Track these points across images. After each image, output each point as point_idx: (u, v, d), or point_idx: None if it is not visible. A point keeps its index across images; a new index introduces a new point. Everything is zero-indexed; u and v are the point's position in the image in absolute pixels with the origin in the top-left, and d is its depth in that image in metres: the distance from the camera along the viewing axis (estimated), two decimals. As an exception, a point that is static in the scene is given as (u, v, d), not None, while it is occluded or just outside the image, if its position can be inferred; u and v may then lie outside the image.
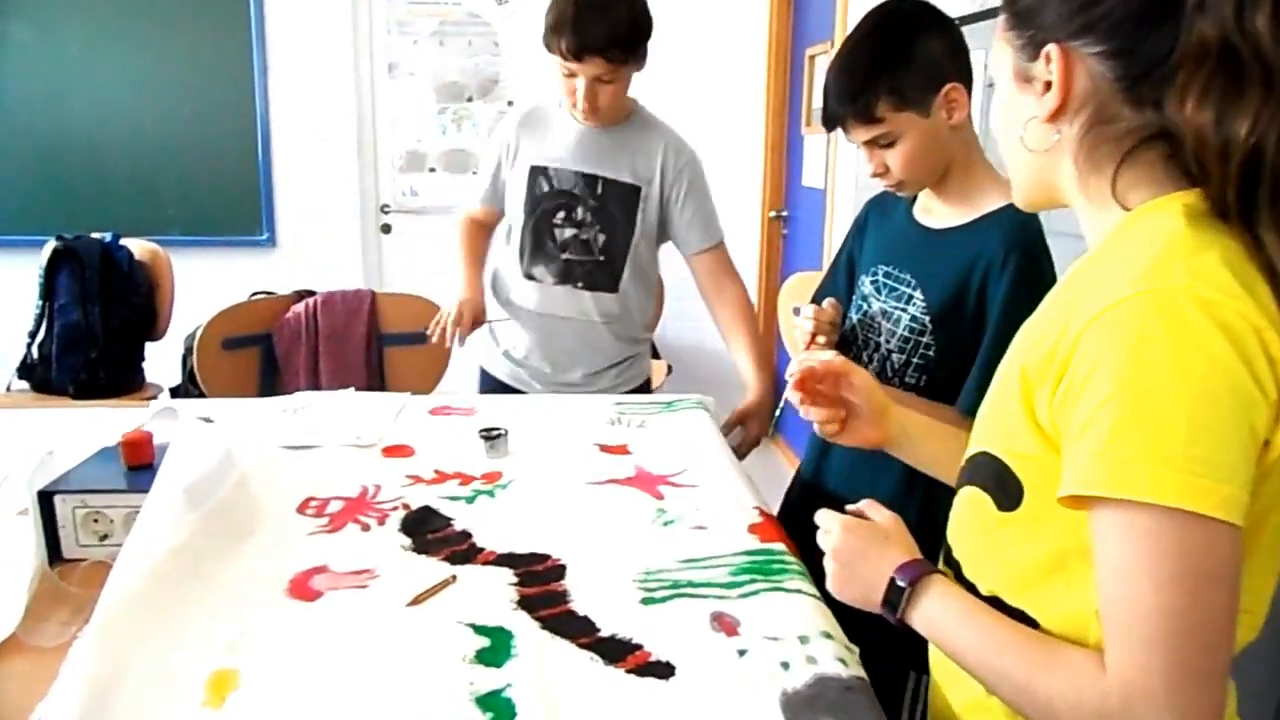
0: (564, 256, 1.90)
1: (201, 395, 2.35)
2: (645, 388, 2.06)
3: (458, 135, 4.05)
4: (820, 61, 3.41)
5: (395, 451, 1.49)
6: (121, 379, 3.00)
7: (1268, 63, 0.65)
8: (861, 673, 0.90)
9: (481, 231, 2.06)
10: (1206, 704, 0.62)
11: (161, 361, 3.19)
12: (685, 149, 1.89)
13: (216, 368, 2.36)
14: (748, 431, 1.79)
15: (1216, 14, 0.66)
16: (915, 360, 1.32)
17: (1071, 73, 0.74)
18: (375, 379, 2.52)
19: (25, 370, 2.97)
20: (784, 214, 4.02)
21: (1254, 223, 0.67)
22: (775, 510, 1.50)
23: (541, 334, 1.95)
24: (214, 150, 3.79)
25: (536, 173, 1.90)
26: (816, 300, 1.47)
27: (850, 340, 1.43)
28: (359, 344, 2.49)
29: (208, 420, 1.51)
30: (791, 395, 1.07)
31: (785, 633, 0.95)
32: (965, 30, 1.30)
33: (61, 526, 1.09)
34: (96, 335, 2.94)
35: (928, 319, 1.29)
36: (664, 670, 0.90)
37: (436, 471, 1.40)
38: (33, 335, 2.98)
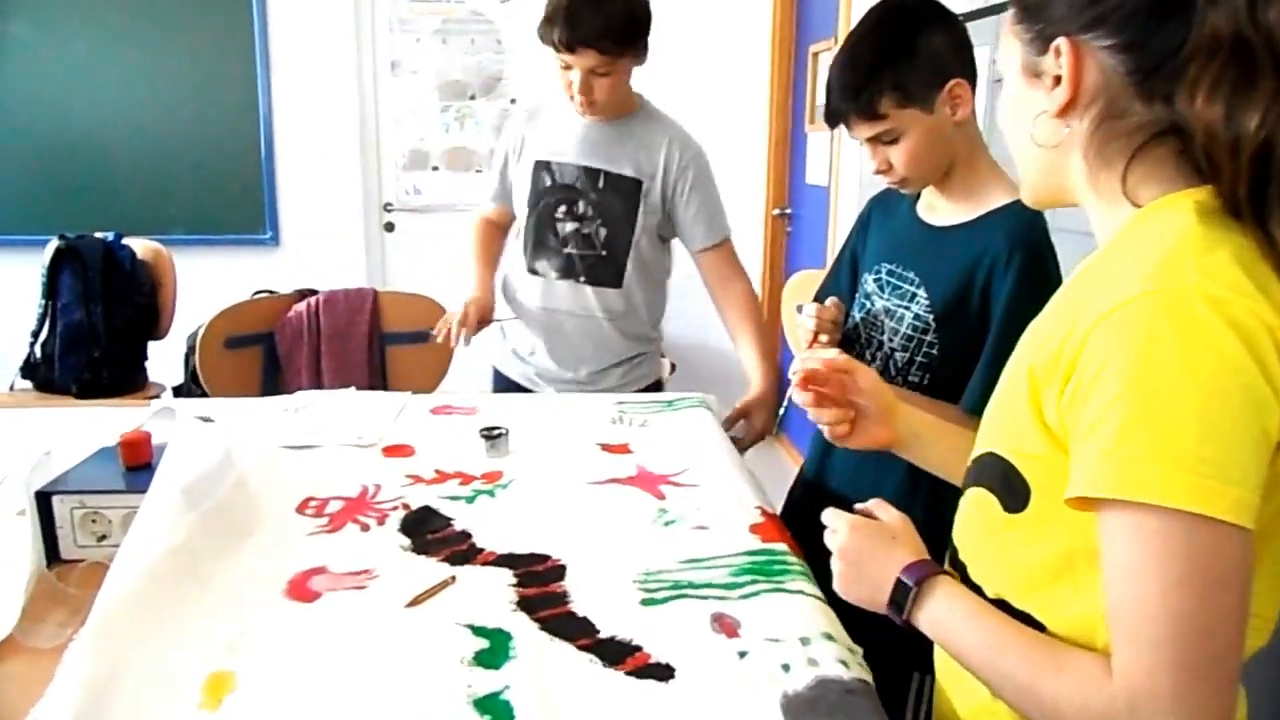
0: (566, 251, 1.89)
1: (204, 394, 2.35)
2: (657, 387, 2.03)
3: (461, 133, 4.05)
4: (824, 58, 3.40)
5: (396, 451, 1.48)
6: (124, 378, 3.00)
7: None
8: (864, 675, 0.89)
9: (495, 232, 2.06)
10: (1215, 710, 0.61)
11: (164, 361, 3.19)
12: (690, 143, 1.88)
13: (219, 367, 2.35)
14: (750, 426, 1.79)
15: (1229, 6, 0.65)
16: (919, 359, 1.30)
17: (1081, 67, 0.73)
18: (377, 378, 2.51)
19: (28, 370, 2.97)
20: (787, 212, 4.00)
21: (1266, 219, 0.66)
22: (778, 510, 1.49)
23: (546, 330, 1.94)
24: (217, 149, 3.78)
25: (540, 167, 1.90)
26: (819, 299, 1.46)
27: (853, 339, 1.42)
28: (361, 343, 2.48)
29: (208, 420, 1.50)
30: (798, 397, 1.06)
31: (786, 634, 0.95)
32: (969, 26, 1.29)
33: (59, 527, 1.08)
34: (99, 334, 2.94)
35: (931, 317, 1.28)
36: (663, 672, 0.89)
37: (437, 471, 1.39)
38: (35, 335, 2.98)
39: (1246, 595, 0.62)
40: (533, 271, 1.93)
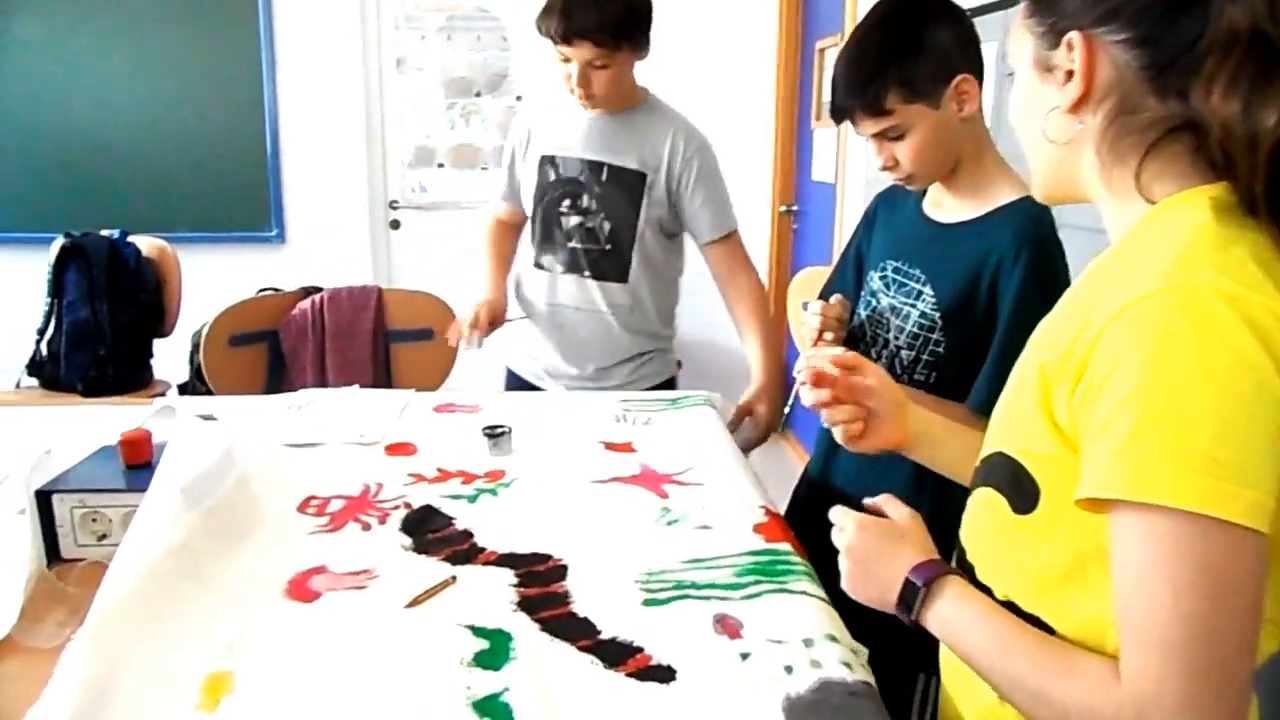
0: (571, 245, 1.89)
1: (209, 392, 2.35)
2: (669, 385, 2.02)
3: (466, 130, 4.04)
4: (830, 54, 3.38)
5: (398, 449, 1.47)
6: (130, 376, 3.01)
7: None
8: (867, 677, 0.88)
9: (507, 232, 2.06)
10: (1224, 717, 0.60)
11: (170, 358, 3.20)
12: (696, 135, 1.87)
13: (223, 364, 2.35)
14: (755, 422, 1.78)
15: (1247, 0, 0.64)
16: (925, 357, 1.29)
17: (1094, 61, 0.72)
18: (382, 375, 2.51)
19: (34, 367, 2.97)
20: (794, 208, 3.99)
21: None
22: (783, 509, 1.48)
23: (552, 326, 1.94)
24: (223, 147, 3.78)
25: (545, 161, 1.90)
26: (824, 296, 1.45)
27: (858, 337, 1.40)
28: (365, 340, 2.48)
29: (210, 418, 1.50)
30: (808, 397, 1.03)
31: (789, 635, 0.94)
32: (977, 21, 1.27)
33: (60, 526, 1.08)
34: (104, 332, 2.95)
35: (937, 315, 1.27)
36: (664, 674, 0.88)
37: (439, 470, 1.39)
38: (41, 332, 2.98)
39: (1259, 600, 0.61)
40: (539, 266, 1.93)
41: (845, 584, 0.86)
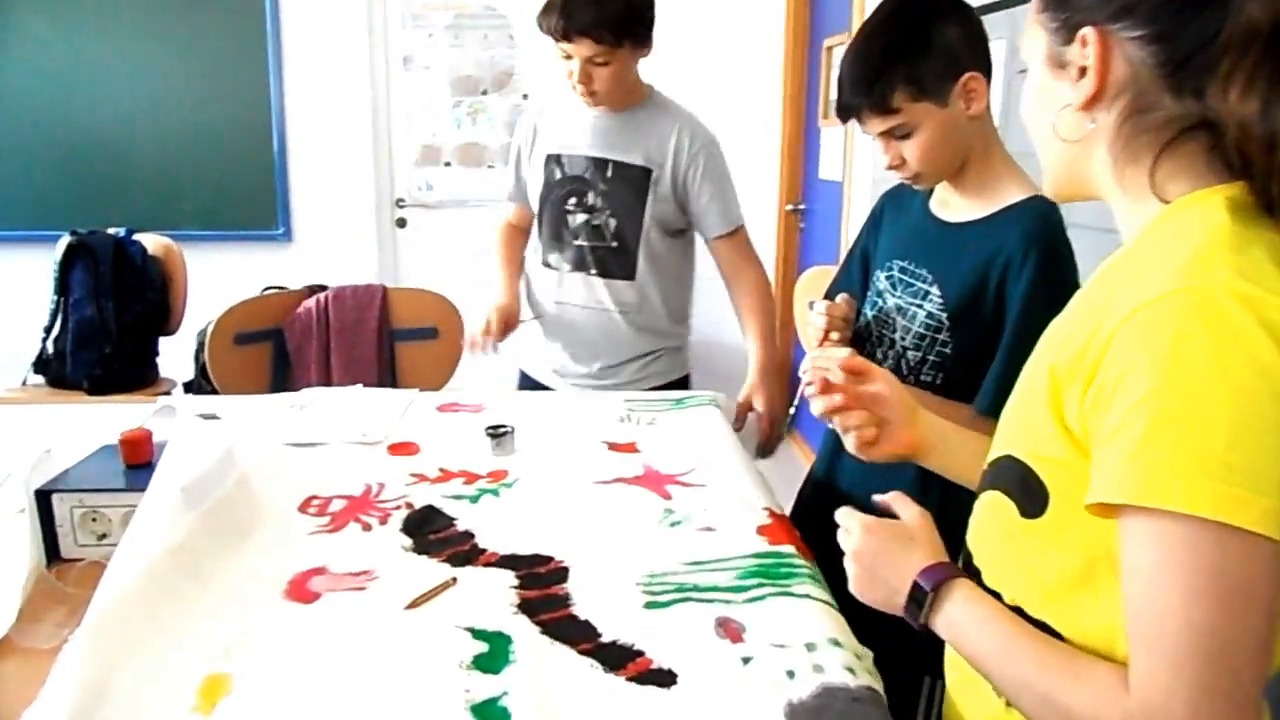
0: (577, 243, 1.88)
1: (214, 390, 2.35)
2: (683, 384, 2.00)
3: (473, 129, 4.04)
4: (838, 52, 3.36)
5: (400, 449, 1.47)
6: (135, 374, 3.01)
7: None
8: (871, 682, 0.87)
9: (518, 235, 2.06)
10: None
11: (175, 357, 3.20)
12: (701, 131, 1.86)
13: (228, 363, 2.35)
14: (759, 418, 1.78)
15: None
16: (931, 358, 1.28)
17: (1109, 58, 0.70)
18: (386, 374, 2.50)
19: (41, 365, 2.98)
20: (801, 207, 3.97)
21: None
22: (788, 510, 1.47)
23: (560, 324, 1.94)
24: (230, 145, 3.79)
25: (551, 160, 1.89)
26: (830, 296, 1.44)
27: (864, 337, 1.39)
28: (370, 339, 2.47)
29: (213, 417, 1.50)
30: (818, 406, 1.02)
31: (792, 640, 0.93)
32: (985, 19, 1.26)
33: (59, 525, 1.08)
34: (110, 330, 2.95)
35: (944, 315, 1.26)
36: (665, 678, 0.87)
37: (441, 470, 1.38)
38: (48, 330, 2.99)
39: (1273, 609, 0.59)
40: (547, 265, 1.93)
41: (853, 587, 0.85)
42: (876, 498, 0.91)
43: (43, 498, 1.06)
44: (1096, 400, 0.64)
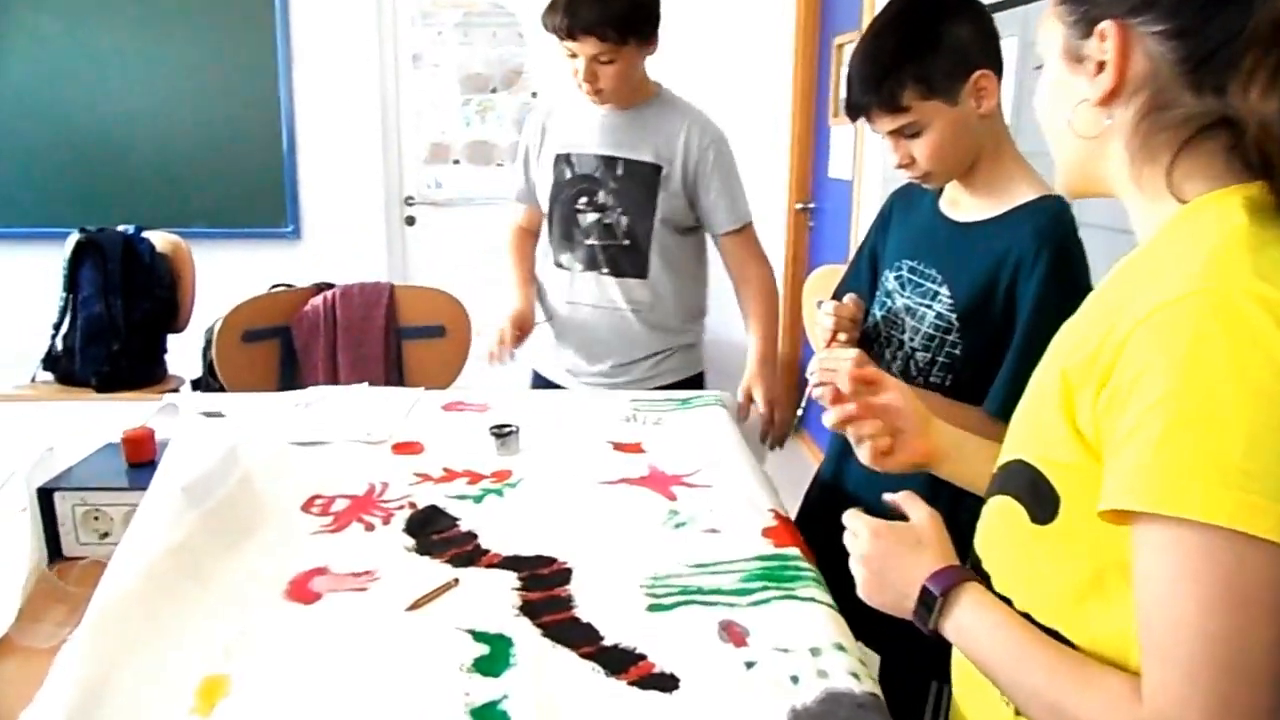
0: (588, 242, 1.88)
1: (222, 388, 2.35)
2: (697, 382, 2.00)
3: (482, 127, 4.03)
4: (848, 50, 3.34)
5: (405, 448, 1.46)
6: (144, 371, 3.02)
7: None
8: (875, 689, 0.86)
9: (529, 238, 2.05)
10: None
11: (184, 354, 3.21)
12: (710, 127, 1.86)
13: (235, 360, 2.35)
14: (764, 411, 1.79)
15: None
16: (940, 359, 1.26)
17: (1128, 53, 0.68)
18: (394, 372, 2.50)
19: (50, 362, 2.99)
20: (810, 206, 3.95)
21: None
22: (795, 511, 1.46)
23: (572, 324, 1.93)
24: (239, 143, 3.79)
25: (560, 160, 1.89)
26: (838, 296, 1.43)
27: (873, 338, 1.38)
28: (377, 337, 2.47)
29: (217, 415, 1.49)
30: (829, 416, 1.00)
31: (796, 644, 0.92)
32: (996, 17, 1.24)
33: (61, 524, 1.07)
34: (119, 327, 2.96)
35: (954, 316, 1.24)
36: (667, 683, 0.86)
37: (445, 469, 1.37)
38: (57, 327, 3.00)
39: None
40: (559, 265, 1.93)
41: (861, 591, 0.84)
42: (887, 497, 0.89)
43: (45, 496, 1.06)
44: (1110, 404, 0.63)
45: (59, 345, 2.99)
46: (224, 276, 3.29)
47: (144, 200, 3.71)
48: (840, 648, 0.91)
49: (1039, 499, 0.72)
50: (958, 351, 1.25)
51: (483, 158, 4.05)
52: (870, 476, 1.33)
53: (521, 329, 1.90)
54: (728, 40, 3.85)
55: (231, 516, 1.11)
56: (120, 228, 3.08)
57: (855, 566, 0.84)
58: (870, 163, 3.10)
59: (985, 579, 0.80)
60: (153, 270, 3.04)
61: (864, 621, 0.95)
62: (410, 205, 4.07)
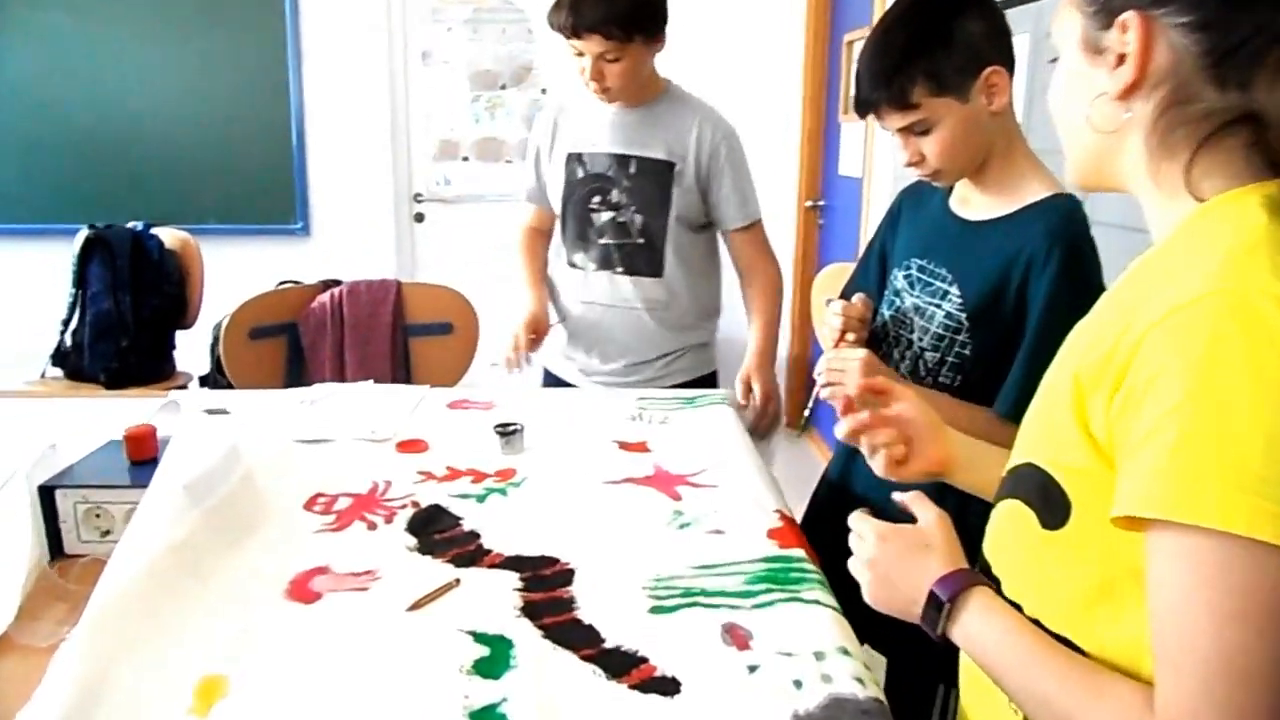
0: (602, 241, 1.87)
1: (229, 385, 2.35)
2: (711, 380, 1.99)
3: (491, 123, 4.02)
4: (858, 47, 3.31)
5: (409, 446, 1.45)
6: (152, 367, 3.02)
7: None
8: (879, 694, 0.84)
9: (540, 239, 2.05)
10: None
11: (192, 350, 3.21)
12: (722, 123, 1.85)
13: (243, 357, 2.35)
14: (759, 405, 1.82)
15: None
16: (950, 359, 1.25)
17: (1151, 45, 0.66)
18: (400, 370, 2.49)
19: (59, 358, 3.00)
20: (820, 203, 3.93)
21: None
22: (802, 512, 1.45)
23: (586, 323, 1.93)
24: (249, 139, 3.79)
25: (572, 159, 1.88)
26: (846, 295, 1.41)
27: (881, 337, 1.36)
28: (384, 334, 2.46)
29: (222, 412, 1.49)
30: (840, 426, 0.98)
31: (800, 648, 0.90)
32: (1008, 13, 1.23)
33: (63, 521, 1.07)
34: (127, 324, 2.97)
35: (964, 316, 1.23)
36: (669, 686, 0.85)
37: (449, 468, 1.37)
38: (66, 323, 3.01)
39: None
40: (572, 265, 1.92)
41: (867, 595, 0.82)
42: (895, 496, 0.88)
43: (46, 493, 1.06)
44: (1124, 407, 0.61)
45: (68, 341, 3.00)
46: (233, 273, 3.29)
47: (153, 197, 3.72)
48: (845, 652, 0.90)
49: (1049, 503, 0.70)
50: (967, 352, 1.23)
51: (492, 154, 4.04)
52: (877, 477, 1.33)
53: (536, 332, 1.90)
54: (737, 37, 3.83)
55: (233, 515, 1.11)
56: (129, 224, 3.09)
57: (861, 570, 0.82)
58: (881, 160, 3.08)
59: (995, 584, 0.78)
60: (161, 267, 3.05)
61: (871, 624, 0.93)
62: (419, 202, 4.07)
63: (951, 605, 0.74)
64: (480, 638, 0.92)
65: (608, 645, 0.91)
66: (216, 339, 2.76)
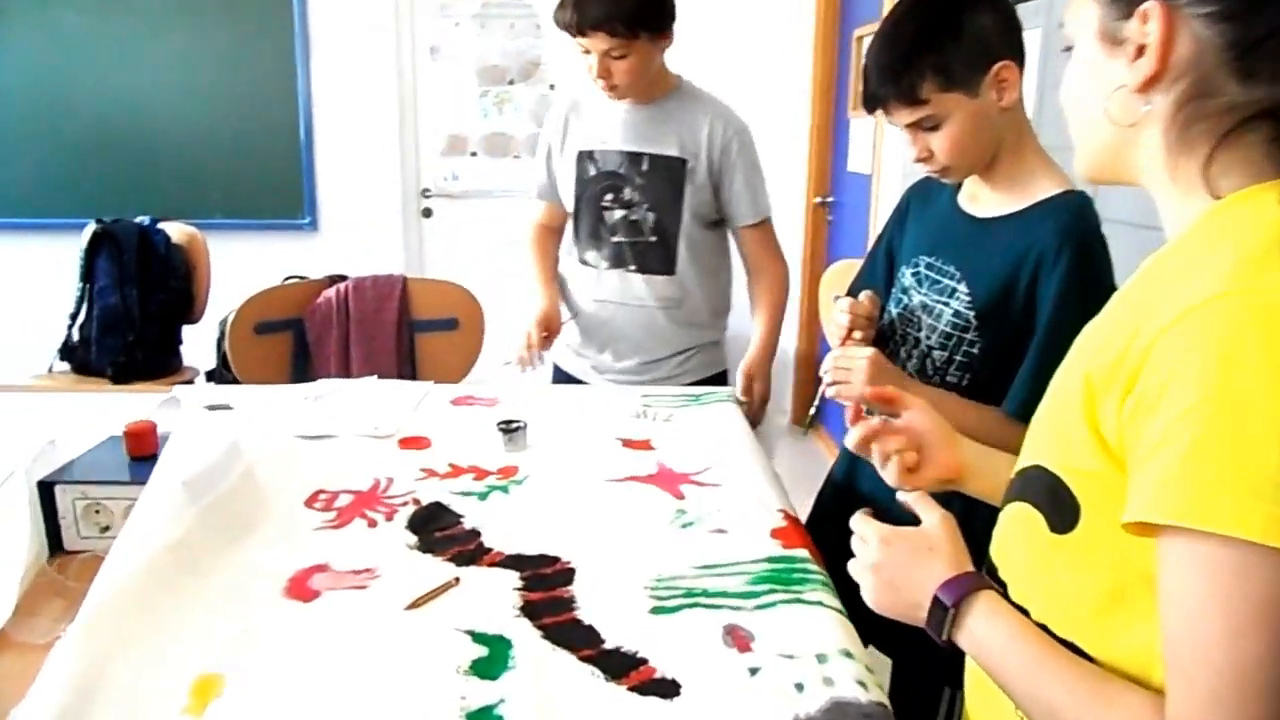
0: (615, 239, 1.86)
1: (235, 380, 2.35)
2: (721, 379, 1.98)
3: (499, 118, 4.02)
4: (868, 42, 3.29)
5: (411, 443, 1.45)
6: (159, 362, 3.03)
7: None
8: (882, 698, 0.83)
9: (551, 237, 2.04)
10: None
11: (199, 345, 3.22)
12: (733, 119, 1.84)
13: (248, 352, 2.35)
14: (755, 401, 1.85)
15: None
16: (958, 358, 1.23)
17: (1173, 36, 0.64)
18: (406, 365, 2.49)
19: (66, 352, 3.00)
20: (829, 200, 3.91)
21: None
22: (808, 511, 1.43)
23: (598, 321, 1.92)
24: (257, 134, 3.80)
25: (584, 157, 1.87)
26: (853, 292, 1.40)
27: (888, 335, 1.35)
28: (389, 330, 2.46)
29: (224, 407, 1.49)
30: (851, 437, 0.96)
31: (802, 650, 0.89)
32: (1019, 7, 1.21)
33: (62, 518, 1.07)
34: (134, 318, 2.97)
35: (972, 314, 1.21)
36: (668, 689, 0.84)
37: (451, 465, 1.36)
38: (73, 317, 3.01)
39: None
40: (584, 263, 1.91)
41: (870, 600, 0.81)
42: (900, 496, 0.86)
43: (45, 489, 1.05)
44: (1136, 410, 0.60)
45: (75, 335, 3.01)
46: (242, 268, 3.29)
47: (161, 191, 3.73)
48: (847, 654, 0.88)
49: (1058, 507, 0.69)
50: (975, 350, 1.22)
51: (500, 150, 4.04)
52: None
53: (548, 330, 1.90)
54: (746, 32, 3.81)
55: (232, 512, 1.10)
56: (137, 219, 3.09)
57: (863, 575, 0.81)
58: (890, 156, 3.06)
59: (1002, 587, 0.77)
60: (168, 261, 3.05)
61: (876, 626, 0.92)
62: (427, 197, 4.07)
63: (956, 610, 0.73)
64: (479, 638, 0.91)
65: (607, 646, 0.90)
66: (223, 334, 2.76)
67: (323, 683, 0.84)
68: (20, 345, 3.18)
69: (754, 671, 0.86)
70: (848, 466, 1.43)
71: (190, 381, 2.98)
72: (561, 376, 2.02)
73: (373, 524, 1.16)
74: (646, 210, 1.83)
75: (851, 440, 0.96)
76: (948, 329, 1.24)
